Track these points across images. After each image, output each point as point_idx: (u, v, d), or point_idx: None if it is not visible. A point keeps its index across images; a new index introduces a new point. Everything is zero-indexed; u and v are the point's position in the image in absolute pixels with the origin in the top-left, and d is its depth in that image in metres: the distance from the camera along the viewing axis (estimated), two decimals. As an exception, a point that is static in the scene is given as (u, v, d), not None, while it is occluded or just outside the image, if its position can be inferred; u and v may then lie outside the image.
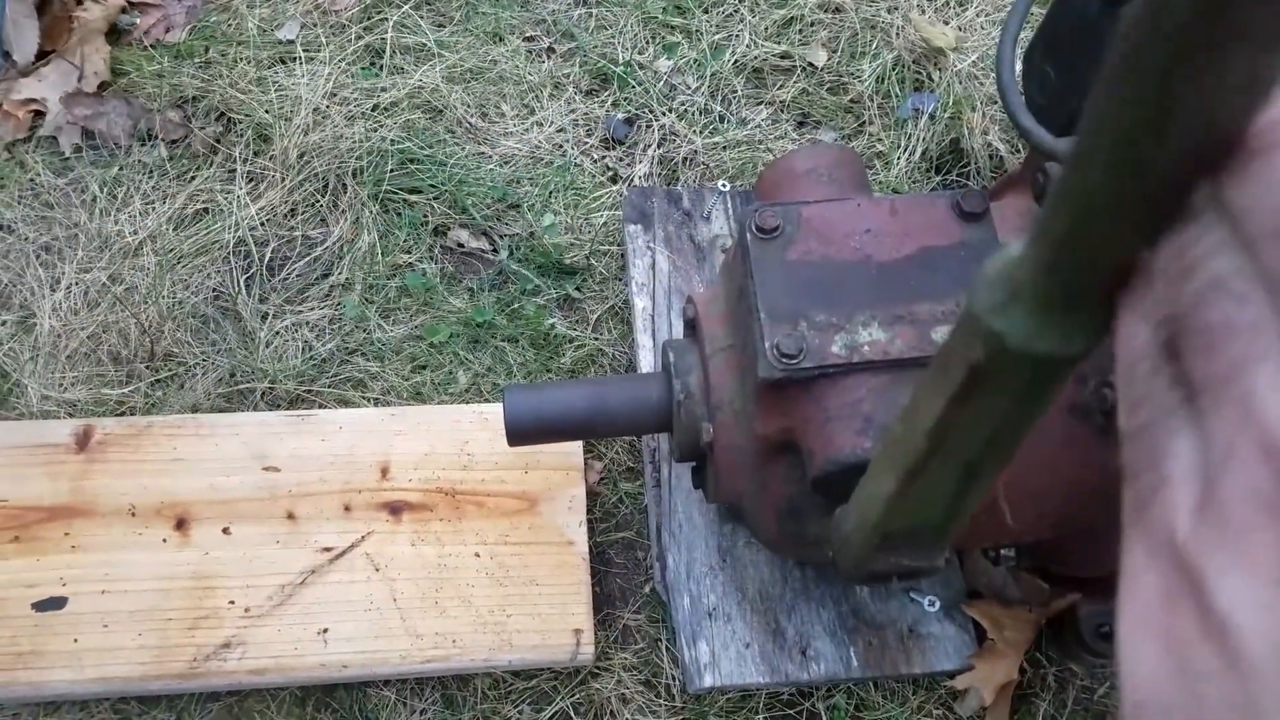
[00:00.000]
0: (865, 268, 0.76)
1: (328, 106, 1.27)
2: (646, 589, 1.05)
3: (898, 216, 0.79)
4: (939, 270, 0.77)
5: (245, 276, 1.18)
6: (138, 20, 1.35)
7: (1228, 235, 0.20)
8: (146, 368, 1.11)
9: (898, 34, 1.35)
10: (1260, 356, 0.19)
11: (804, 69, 1.35)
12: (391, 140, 1.25)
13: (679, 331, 1.11)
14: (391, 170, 1.23)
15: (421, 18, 1.36)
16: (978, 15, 1.36)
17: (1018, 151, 1.24)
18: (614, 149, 1.30)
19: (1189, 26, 0.18)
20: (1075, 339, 0.26)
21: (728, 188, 1.21)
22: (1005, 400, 0.31)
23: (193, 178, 1.24)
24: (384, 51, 1.33)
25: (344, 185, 1.23)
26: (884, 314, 0.74)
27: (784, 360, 0.73)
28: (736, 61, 1.35)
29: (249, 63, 1.31)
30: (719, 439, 0.85)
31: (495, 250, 1.22)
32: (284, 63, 1.33)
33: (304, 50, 1.32)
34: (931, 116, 1.28)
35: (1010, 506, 0.82)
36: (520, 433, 0.90)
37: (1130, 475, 0.23)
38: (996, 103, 1.26)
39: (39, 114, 1.27)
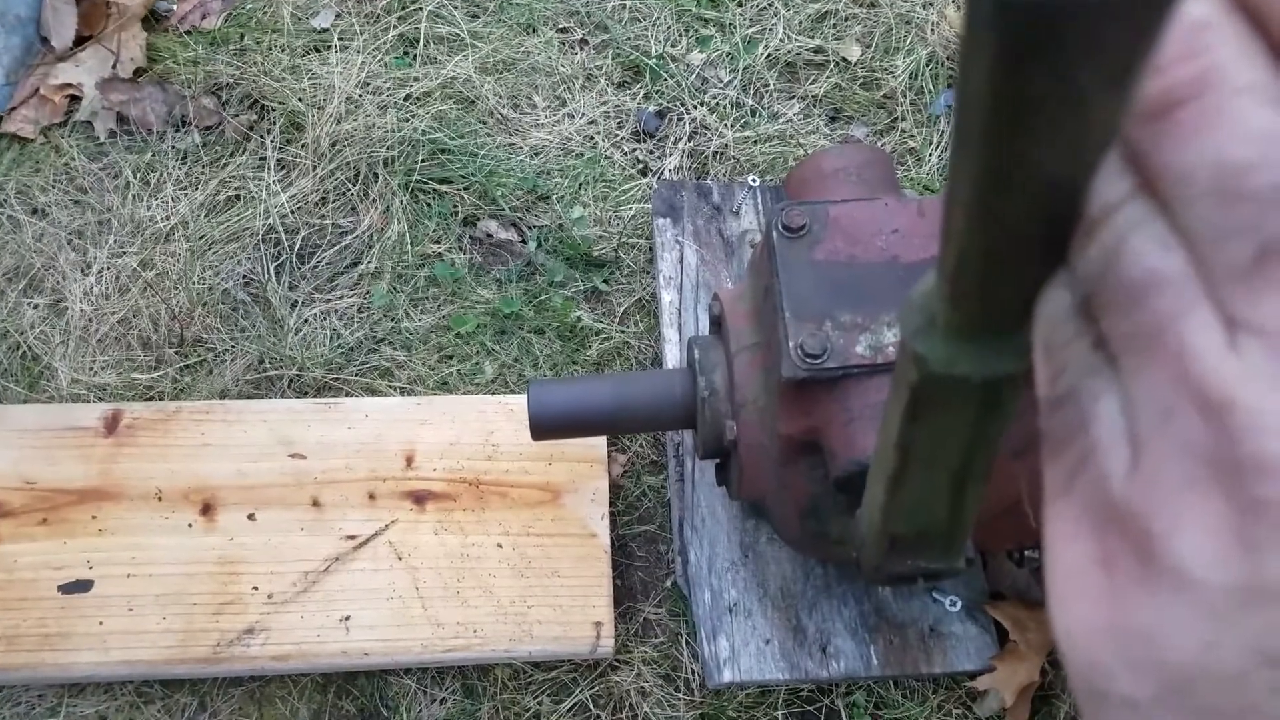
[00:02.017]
0: (892, 268, 0.75)
1: (360, 95, 1.28)
2: (668, 583, 1.05)
3: (925, 217, 0.78)
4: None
5: (275, 264, 1.19)
6: (174, 6, 1.36)
7: (1135, 187, 0.20)
8: (176, 353, 1.12)
9: (932, 29, 1.34)
10: (1189, 308, 0.18)
11: (837, 64, 1.34)
12: (423, 130, 1.25)
13: (705, 326, 1.11)
14: (422, 160, 1.24)
15: (456, 8, 1.37)
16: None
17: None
18: (644, 142, 1.29)
19: (995, 110, 0.17)
20: (998, 361, 0.26)
21: (757, 182, 1.21)
22: (954, 417, 0.31)
23: (225, 164, 1.24)
24: (418, 41, 1.34)
25: (375, 174, 1.23)
26: (910, 315, 0.73)
27: (808, 360, 0.73)
28: (769, 55, 1.34)
29: (283, 50, 1.32)
30: (743, 437, 0.85)
31: (524, 241, 1.22)
32: (318, 51, 1.33)
33: (338, 39, 1.33)
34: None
35: (1034, 508, 0.81)
36: (544, 427, 0.90)
37: (1055, 445, 0.22)
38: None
39: (75, 99, 1.29)
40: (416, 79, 1.30)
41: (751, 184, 1.21)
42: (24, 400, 1.09)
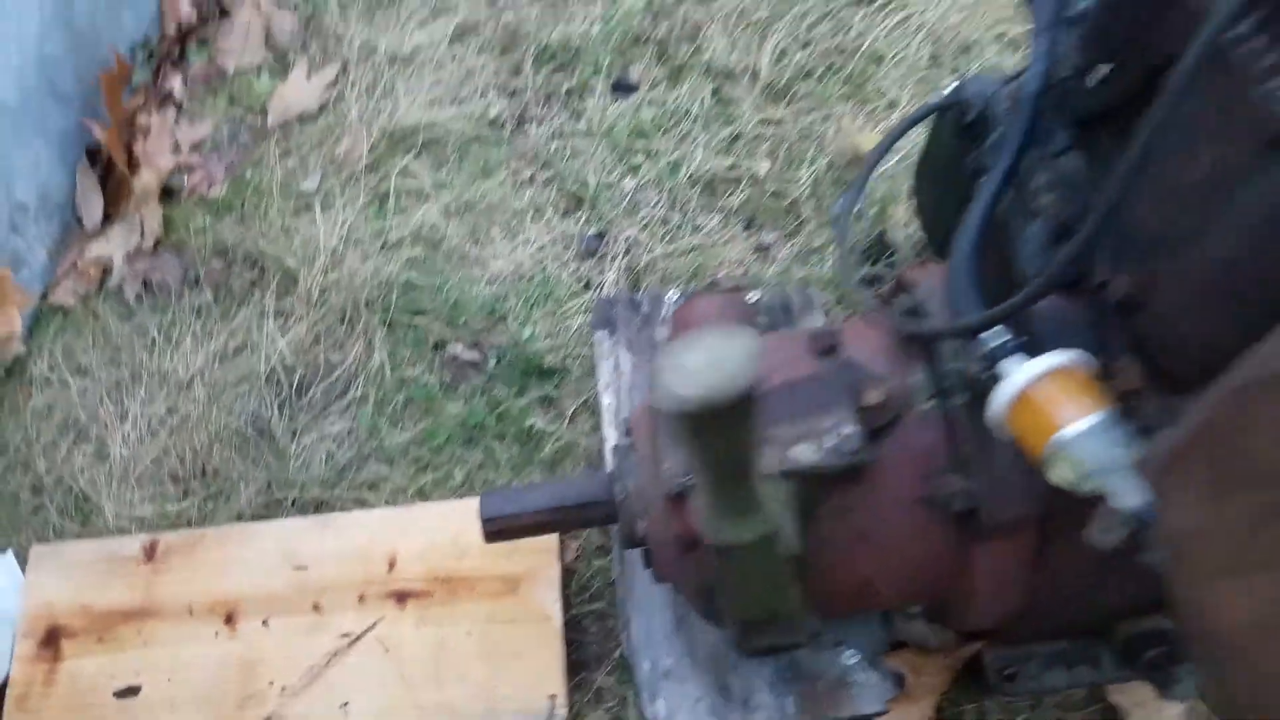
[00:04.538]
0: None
1: (343, 249, 1.50)
2: (617, 653, 1.24)
3: (764, 356, 0.96)
4: (797, 398, 0.95)
5: (278, 400, 1.40)
6: (186, 179, 1.59)
7: None
8: (199, 484, 1.34)
9: (830, 141, 1.53)
10: None
11: (749, 178, 1.53)
12: (397, 272, 1.47)
13: (637, 428, 1.30)
14: (397, 297, 1.45)
15: (421, 164, 1.59)
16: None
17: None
18: (587, 261, 1.50)
19: None
20: (742, 532, 0.57)
21: (676, 296, 1.40)
22: (746, 563, 0.64)
23: (233, 317, 1.47)
24: (389, 195, 1.56)
25: (358, 313, 1.45)
26: (747, 440, 0.92)
27: (677, 479, 0.92)
28: (691, 175, 1.54)
29: (277, 213, 1.54)
30: (650, 534, 1.03)
31: (485, 359, 1.42)
32: (308, 209, 1.56)
33: (321, 201, 1.55)
34: (858, 215, 1.46)
35: (882, 583, 0.99)
36: (494, 532, 1.09)
37: None
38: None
39: (105, 269, 1.52)
40: (391, 229, 1.52)
41: (670, 299, 1.40)
42: (78, 535, 1.32)
